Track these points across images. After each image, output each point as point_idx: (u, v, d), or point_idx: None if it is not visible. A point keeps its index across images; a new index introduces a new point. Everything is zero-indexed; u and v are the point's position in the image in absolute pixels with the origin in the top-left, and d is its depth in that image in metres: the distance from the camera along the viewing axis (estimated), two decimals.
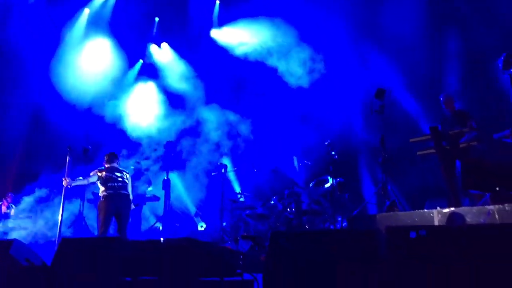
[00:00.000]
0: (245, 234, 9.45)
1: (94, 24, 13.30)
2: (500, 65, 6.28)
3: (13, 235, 10.64)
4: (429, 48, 10.58)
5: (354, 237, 3.15)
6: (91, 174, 8.57)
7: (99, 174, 8.43)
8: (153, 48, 14.23)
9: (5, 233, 11.00)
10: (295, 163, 11.10)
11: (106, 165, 8.58)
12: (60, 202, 8.57)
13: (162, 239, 3.72)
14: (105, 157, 8.71)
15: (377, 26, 11.13)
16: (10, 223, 11.20)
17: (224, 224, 10.66)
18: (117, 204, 8.28)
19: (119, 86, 13.56)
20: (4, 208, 11.90)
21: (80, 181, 8.65)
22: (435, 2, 10.82)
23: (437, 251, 2.70)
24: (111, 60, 13.26)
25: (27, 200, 11.32)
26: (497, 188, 5.43)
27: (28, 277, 4.23)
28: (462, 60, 10.35)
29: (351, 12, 11.66)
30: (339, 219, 9.15)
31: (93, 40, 13.24)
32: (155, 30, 14.16)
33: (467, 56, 10.31)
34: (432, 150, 7.83)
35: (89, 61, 12.95)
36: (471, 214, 5.88)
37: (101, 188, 8.33)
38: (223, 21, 13.72)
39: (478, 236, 2.72)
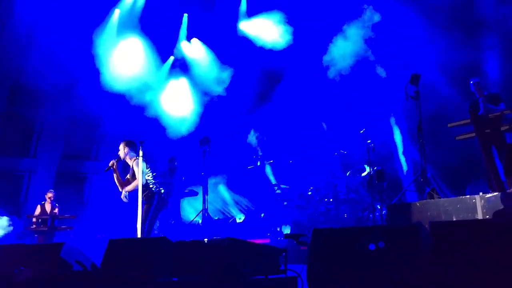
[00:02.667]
0: (286, 224, 9.52)
1: (124, 24, 13.48)
2: None
3: None
4: (466, 33, 10.27)
5: (396, 232, 3.14)
6: (134, 163, 7.30)
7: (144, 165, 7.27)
8: (183, 44, 14.37)
9: None
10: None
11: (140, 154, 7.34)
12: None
13: (206, 239, 3.80)
14: (131, 145, 7.45)
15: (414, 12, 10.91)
16: None
17: (262, 215, 10.76)
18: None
19: (153, 83, 13.76)
20: (48, 207, 11.77)
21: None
22: None
23: (483, 246, 2.67)
24: (143, 59, 13.44)
25: None
26: None
27: (77, 280, 4.40)
28: (500, 46, 10.05)
29: None
30: (378, 207, 9.08)
31: (125, 40, 13.44)
32: (185, 26, 14.28)
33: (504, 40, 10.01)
34: (472, 134, 7.67)
35: (122, 61, 13.15)
36: None
37: (151, 180, 7.36)
38: (251, 13, 13.74)
39: None
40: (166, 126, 13.26)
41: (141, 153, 7.04)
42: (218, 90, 13.47)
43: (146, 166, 7.34)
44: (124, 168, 7.52)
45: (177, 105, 13.87)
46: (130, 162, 7.40)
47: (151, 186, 7.27)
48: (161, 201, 7.32)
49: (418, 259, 2.73)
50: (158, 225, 10.15)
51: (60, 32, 11.97)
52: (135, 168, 7.21)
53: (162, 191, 7.43)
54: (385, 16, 11.16)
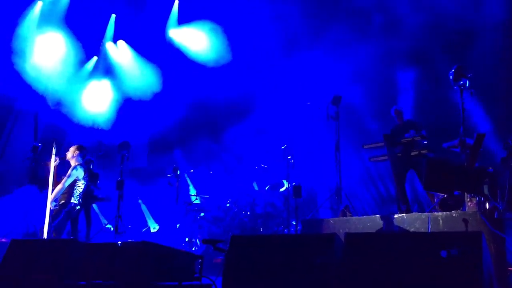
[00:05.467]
0: (202, 236, 9.41)
1: (47, 18, 12.82)
2: (451, 77, 6.58)
3: None
4: (384, 61, 10.85)
5: (312, 241, 3.21)
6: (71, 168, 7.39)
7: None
8: (109, 45, 13.90)
9: None
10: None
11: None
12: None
13: (119, 242, 3.65)
14: (82, 151, 7.65)
15: (330, 33, 11.36)
16: None
17: (178, 226, 10.56)
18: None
19: (72, 82, 13.15)
20: None
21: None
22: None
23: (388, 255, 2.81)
24: (64, 55, 12.81)
25: None
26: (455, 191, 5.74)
27: None
28: (415, 71, 10.73)
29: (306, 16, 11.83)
30: (293, 222, 9.26)
31: (45, 34, 12.76)
32: (111, 26, 13.82)
33: (418, 65, 10.70)
34: (385, 157, 8.10)
35: (42, 55, 12.46)
36: (420, 220, 6.14)
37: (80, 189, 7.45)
38: (182, 21, 13.61)
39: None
40: (83, 125, 12.72)
41: (54, 150, 6.93)
42: (143, 95, 13.16)
43: (84, 176, 7.42)
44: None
45: (97, 106, 13.37)
46: (72, 164, 7.43)
47: (74, 195, 7.27)
48: (70, 212, 7.31)
49: (333, 265, 2.81)
50: None
51: None
52: (69, 172, 7.29)
53: (78, 208, 7.41)
54: None
